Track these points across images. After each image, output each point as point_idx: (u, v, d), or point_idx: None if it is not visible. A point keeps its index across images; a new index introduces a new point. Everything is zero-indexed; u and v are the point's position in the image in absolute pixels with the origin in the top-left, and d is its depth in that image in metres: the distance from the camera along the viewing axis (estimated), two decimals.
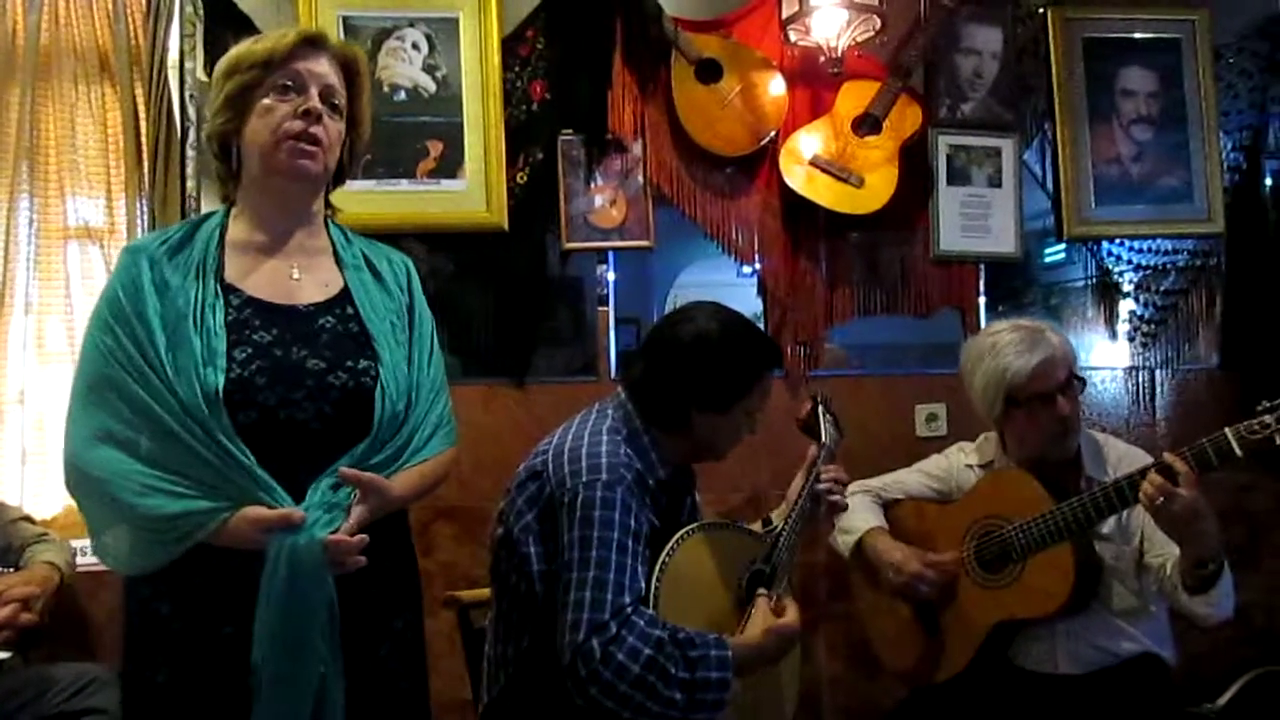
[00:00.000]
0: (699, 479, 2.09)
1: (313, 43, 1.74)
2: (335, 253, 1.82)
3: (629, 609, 1.69)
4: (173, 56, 2.87)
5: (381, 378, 1.69)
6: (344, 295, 1.76)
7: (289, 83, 1.70)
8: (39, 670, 2.37)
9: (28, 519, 2.63)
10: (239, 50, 1.74)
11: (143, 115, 2.87)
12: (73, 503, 1.69)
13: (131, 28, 2.89)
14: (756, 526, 2.13)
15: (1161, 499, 1.96)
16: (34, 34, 2.84)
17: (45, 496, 2.79)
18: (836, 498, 2.10)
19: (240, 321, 1.66)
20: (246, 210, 1.77)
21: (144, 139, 2.87)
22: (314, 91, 1.70)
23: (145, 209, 2.86)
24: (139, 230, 2.84)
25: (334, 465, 1.62)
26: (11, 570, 2.52)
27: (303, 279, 1.75)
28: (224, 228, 1.76)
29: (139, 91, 2.87)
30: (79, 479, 1.63)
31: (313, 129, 1.69)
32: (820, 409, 2.23)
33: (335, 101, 1.74)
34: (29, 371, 2.83)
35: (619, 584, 1.69)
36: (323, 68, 1.73)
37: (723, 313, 1.95)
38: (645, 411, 1.92)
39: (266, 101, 1.70)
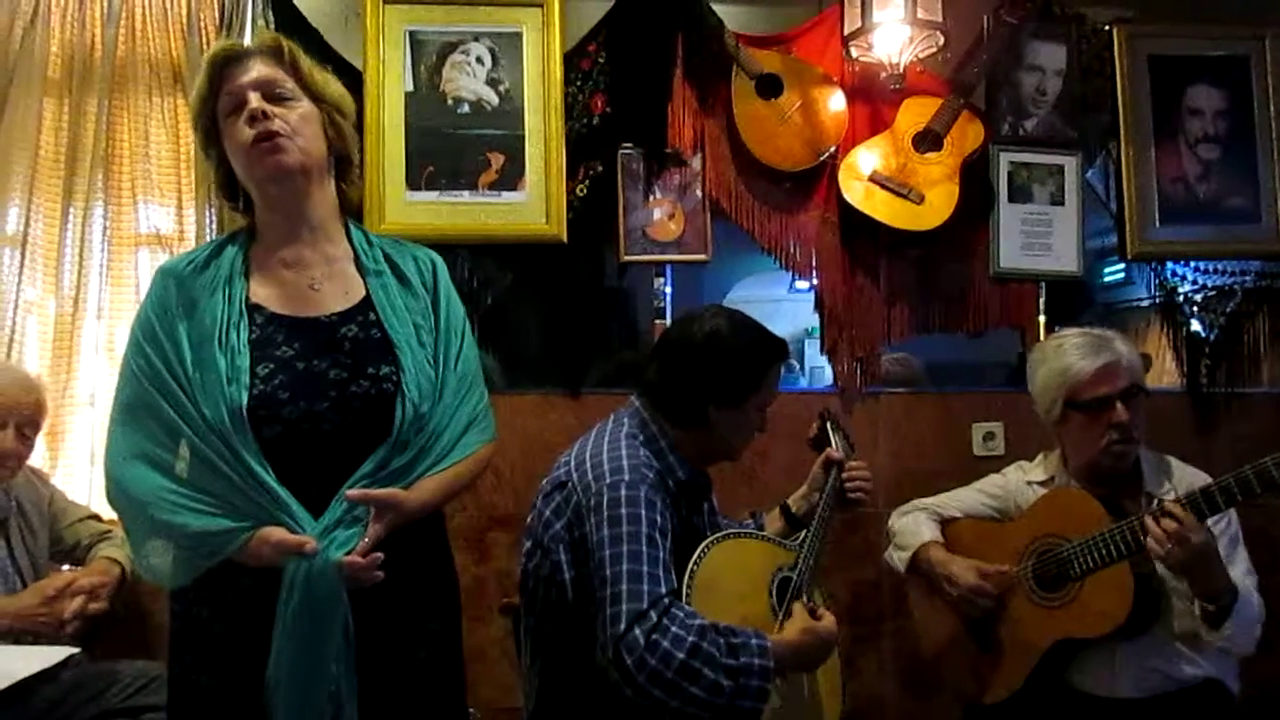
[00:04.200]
0: (743, 491, 2.10)
1: (231, 58, 1.76)
2: (357, 259, 1.83)
3: (666, 599, 1.70)
4: None
5: (402, 382, 1.70)
6: (366, 302, 1.78)
7: (232, 104, 1.73)
8: (103, 666, 2.42)
9: (95, 517, 2.69)
10: (190, 102, 1.80)
11: None
12: None
13: (205, 41, 2.96)
14: (775, 513, 2.19)
15: (1169, 546, 1.98)
16: (111, 46, 2.93)
17: None
18: (861, 495, 2.16)
19: (264, 338, 1.69)
20: (264, 231, 1.81)
21: None
22: (252, 95, 1.71)
23: (213, 217, 2.92)
24: (207, 237, 2.90)
25: (356, 473, 1.64)
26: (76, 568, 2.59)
27: (323, 289, 1.78)
28: (248, 247, 1.80)
29: None
30: (117, 496, 1.69)
31: (264, 126, 1.70)
32: (829, 425, 2.26)
33: (280, 91, 1.74)
34: (99, 374, 2.90)
35: (654, 576, 1.71)
36: (252, 71, 1.74)
37: (729, 312, 2.01)
38: (664, 411, 1.96)
39: (227, 129, 1.74)
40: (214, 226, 2.91)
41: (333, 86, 1.83)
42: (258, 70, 1.74)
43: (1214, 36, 3.30)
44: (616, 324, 3.21)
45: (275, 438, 1.62)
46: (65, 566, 2.61)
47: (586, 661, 1.74)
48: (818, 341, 3.20)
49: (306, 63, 1.80)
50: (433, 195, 2.99)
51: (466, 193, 3.01)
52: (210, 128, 1.77)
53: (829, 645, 1.85)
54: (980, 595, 2.28)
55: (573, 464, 1.89)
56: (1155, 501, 2.21)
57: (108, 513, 2.77)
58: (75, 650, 2.28)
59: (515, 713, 2.25)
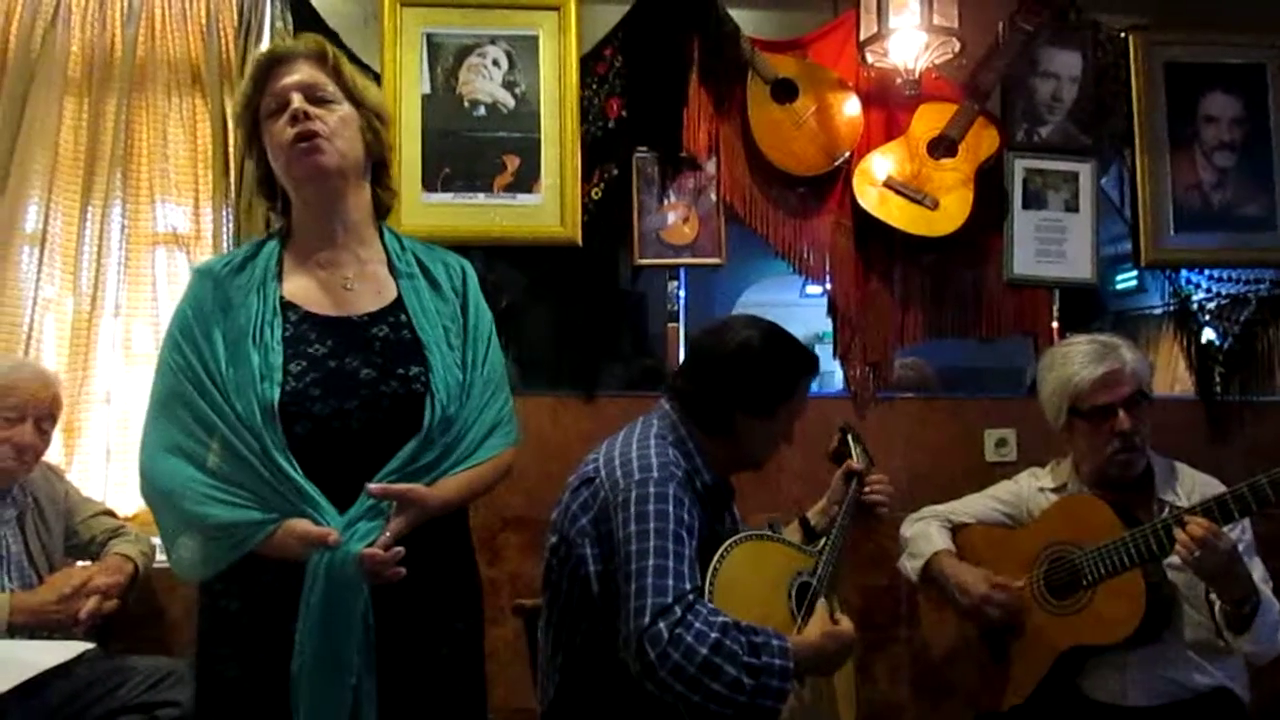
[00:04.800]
0: (763, 497, 2.11)
1: (278, 59, 1.79)
2: (390, 261, 1.86)
3: (691, 595, 1.70)
4: None
5: (431, 383, 1.72)
6: (397, 303, 1.80)
7: (274, 105, 1.76)
8: (118, 662, 2.44)
9: (109, 513, 2.71)
10: (235, 99, 1.85)
11: (230, 126, 2.95)
12: None
13: (223, 42, 2.99)
14: (794, 526, 2.18)
15: (1198, 553, 1.98)
16: (130, 47, 2.95)
17: (127, 493, 2.87)
18: (884, 510, 2.17)
19: (297, 336, 1.72)
20: (299, 232, 1.84)
21: (231, 149, 2.95)
22: (295, 97, 1.74)
23: (230, 217, 2.94)
24: (224, 237, 2.93)
25: (384, 469, 1.65)
26: (90, 563, 2.60)
27: (356, 289, 1.80)
28: (282, 248, 1.83)
29: (228, 103, 2.95)
30: (149, 489, 1.71)
31: (304, 126, 1.73)
32: (850, 438, 2.27)
33: (321, 94, 1.77)
34: (116, 372, 2.93)
35: (679, 572, 1.72)
36: (296, 74, 1.77)
37: (762, 322, 2.02)
38: (693, 417, 1.97)
39: (268, 129, 1.77)
40: (231, 226, 2.93)
41: (373, 92, 1.87)
42: (302, 72, 1.77)
43: (1230, 44, 3.29)
44: (630, 327, 3.21)
45: (305, 434, 1.64)
46: (80, 562, 2.63)
47: (608, 656, 1.75)
48: (830, 346, 3.21)
49: (349, 67, 1.83)
50: (448, 197, 3.00)
51: (482, 195, 3.02)
52: (252, 127, 1.80)
53: (848, 649, 1.86)
54: (991, 605, 2.28)
55: (601, 460, 1.90)
56: (1167, 508, 2.21)
57: (122, 509, 2.80)
58: (90, 646, 2.29)
59: (526, 714, 2.26)
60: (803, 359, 2.01)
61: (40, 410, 2.47)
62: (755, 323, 2.01)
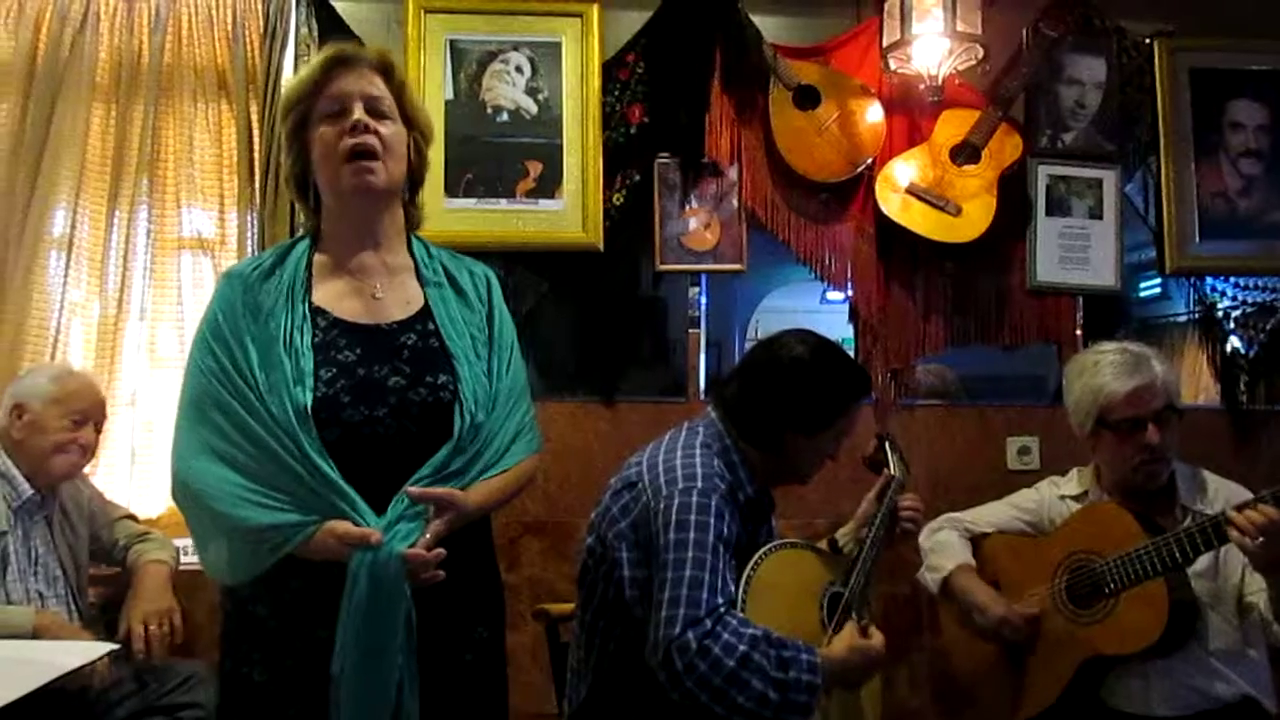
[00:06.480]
0: (782, 504, 2.10)
1: (343, 61, 1.77)
2: (417, 270, 1.86)
3: (722, 608, 1.70)
4: (287, 76, 2.98)
5: (460, 392, 1.72)
6: (425, 312, 1.80)
7: (333, 107, 1.75)
8: (140, 664, 2.44)
9: (131, 517, 2.73)
10: (287, 88, 1.83)
11: (256, 132, 2.99)
12: None
13: (249, 48, 3.02)
14: (823, 545, 2.15)
15: (1259, 539, 1.93)
16: (157, 53, 2.99)
17: (152, 496, 2.91)
18: (911, 526, 2.13)
19: (327, 343, 1.71)
20: (329, 237, 1.83)
21: (256, 155, 2.99)
22: (356, 106, 1.73)
23: (255, 222, 2.97)
24: (249, 242, 2.96)
25: (416, 475, 1.65)
26: (118, 570, 2.62)
27: (385, 297, 1.79)
28: (311, 253, 1.82)
29: (254, 109, 3.00)
30: (182, 491, 1.70)
31: (363, 139, 1.72)
32: (887, 446, 2.25)
33: (381, 108, 1.77)
34: (141, 375, 2.96)
35: (713, 584, 1.71)
36: (360, 81, 1.76)
37: (817, 339, 1.99)
38: (739, 430, 1.96)
39: (320, 130, 1.75)
40: (255, 231, 2.96)
41: (424, 112, 1.87)
42: (366, 80, 1.77)
43: (1256, 50, 3.28)
44: (650, 333, 3.22)
45: (336, 440, 1.64)
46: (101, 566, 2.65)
47: (641, 660, 1.75)
48: (851, 353, 3.20)
49: (409, 86, 1.84)
50: (470, 202, 3.02)
51: (504, 200, 3.04)
52: (300, 123, 1.79)
53: (876, 663, 1.84)
54: (1008, 627, 2.27)
55: (645, 466, 1.89)
56: (1190, 515, 2.20)
57: (146, 512, 2.82)
58: (114, 646, 2.29)
59: (544, 718, 2.26)
60: (855, 378, 2.00)
61: (98, 414, 2.55)
62: (811, 340, 1.98)
